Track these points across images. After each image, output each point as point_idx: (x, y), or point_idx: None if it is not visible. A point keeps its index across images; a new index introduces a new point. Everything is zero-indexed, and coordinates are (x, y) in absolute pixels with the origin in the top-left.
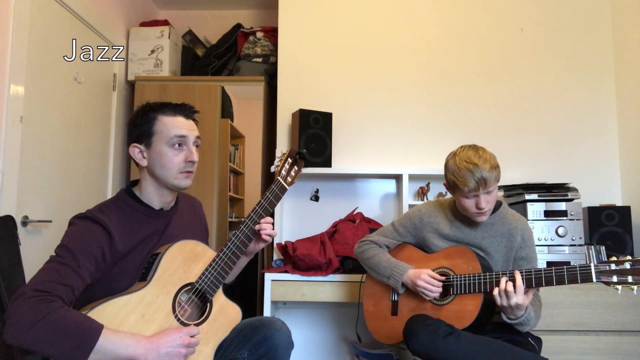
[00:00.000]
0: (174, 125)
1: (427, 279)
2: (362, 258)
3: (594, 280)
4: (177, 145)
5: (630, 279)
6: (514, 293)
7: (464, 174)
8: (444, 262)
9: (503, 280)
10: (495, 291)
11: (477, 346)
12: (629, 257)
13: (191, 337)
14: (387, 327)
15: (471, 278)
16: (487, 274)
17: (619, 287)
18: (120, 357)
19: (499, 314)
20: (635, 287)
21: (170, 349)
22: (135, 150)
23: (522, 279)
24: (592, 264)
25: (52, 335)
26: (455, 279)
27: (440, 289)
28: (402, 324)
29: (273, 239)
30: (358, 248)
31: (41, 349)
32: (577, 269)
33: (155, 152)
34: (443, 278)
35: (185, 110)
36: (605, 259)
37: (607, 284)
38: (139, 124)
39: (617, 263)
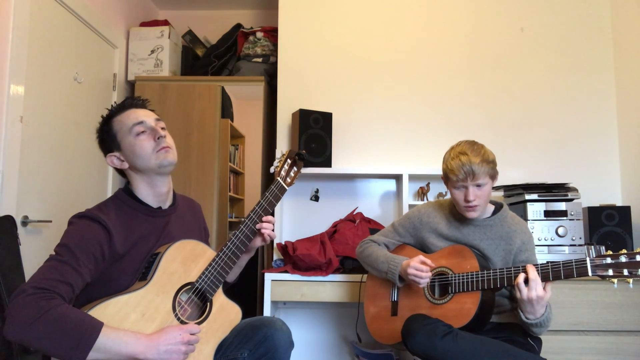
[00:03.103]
0: (127, 117)
1: (417, 266)
2: (362, 257)
3: (590, 274)
4: (141, 133)
5: (625, 272)
6: (539, 282)
7: (453, 163)
8: (442, 261)
9: (530, 269)
10: (521, 278)
11: (475, 346)
12: (624, 251)
13: (191, 334)
14: (387, 328)
15: (469, 276)
16: (485, 271)
17: (615, 280)
18: (120, 355)
19: (498, 314)
20: (631, 280)
21: (170, 346)
22: (113, 159)
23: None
24: (587, 258)
25: (52, 332)
26: (453, 278)
27: (430, 274)
28: (402, 324)
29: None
30: (359, 248)
31: (41, 346)
32: (573, 263)
33: (126, 148)
34: (433, 265)
35: (134, 102)
36: None
37: (603, 277)
38: (102, 137)
39: (612, 257)
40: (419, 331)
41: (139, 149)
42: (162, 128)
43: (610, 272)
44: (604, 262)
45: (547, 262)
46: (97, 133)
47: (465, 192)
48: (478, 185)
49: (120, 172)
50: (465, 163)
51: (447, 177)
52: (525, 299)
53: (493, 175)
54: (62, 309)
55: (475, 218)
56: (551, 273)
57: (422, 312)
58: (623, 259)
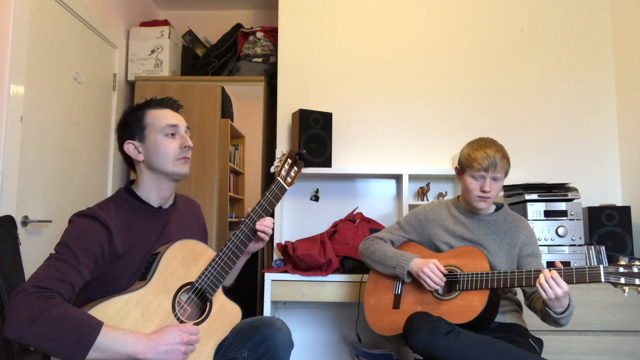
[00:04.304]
0: (164, 116)
1: (433, 268)
2: (367, 253)
3: (603, 280)
4: (170, 134)
5: (637, 281)
6: (561, 280)
7: (478, 154)
8: (452, 260)
9: (546, 271)
10: (542, 279)
11: (476, 345)
12: (637, 262)
13: (191, 335)
14: (387, 320)
15: (479, 275)
16: (496, 272)
17: (626, 288)
18: (120, 354)
19: (501, 314)
20: None
21: (169, 346)
22: (130, 147)
23: (531, 278)
24: (601, 266)
25: (52, 331)
26: (462, 276)
27: (443, 283)
28: (403, 317)
29: (273, 239)
30: (363, 245)
31: (41, 345)
32: (587, 269)
33: (150, 144)
34: (446, 272)
35: (172, 104)
36: (606, 259)
37: (615, 285)
38: (130, 123)
39: (625, 266)
40: (421, 328)
41: (164, 149)
42: (189, 136)
43: (623, 281)
44: (616, 270)
45: (561, 266)
46: (124, 117)
47: (482, 182)
48: (495, 179)
49: (129, 163)
50: (490, 155)
51: (467, 166)
52: (553, 297)
53: (507, 173)
54: (62, 308)
55: (480, 213)
56: (563, 278)
57: (427, 307)
58: (635, 269)
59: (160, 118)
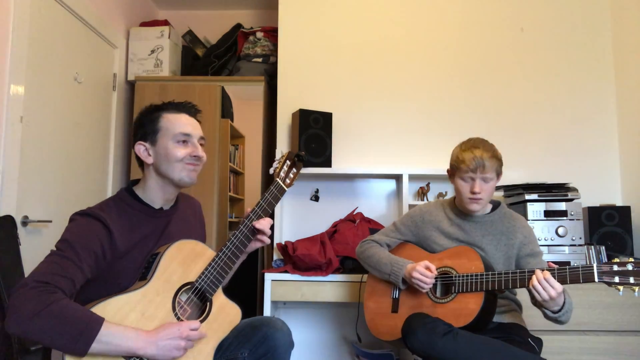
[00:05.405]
0: (178, 122)
1: (422, 270)
2: (363, 257)
3: (596, 280)
4: (182, 142)
5: (632, 280)
6: (554, 281)
7: (465, 155)
8: (447, 261)
9: (538, 272)
10: (535, 281)
11: (474, 345)
12: (631, 259)
13: (191, 330)
14: (386, 324)
15: (474, 277)
16: (490, 273)
17: (621, 287)
18: (121, 349)
19: (498, 314)
20: (636, 288)
21: (169, 341)
22: (141, 148)
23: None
24: (594, 265)
25: (54, 325)
26: (457, 278)
27: (433, 280)
28: (402, 321)
29: (273, 239)
30: (359, 248)
31: (43, 339)
32: (580, 269)
33: (161, 148)
34: (436, 273)
35: (189, 109)
36: (606, 259)
37: (609, 284)
38: (143, 124)
39: (619, 264)
40: (419, 329)
41: (172, 155)
42: (202, 144)
43: (617, 280)
44: (610, 269)
45: (554, 266)
46: (139, 117)
47: (472, 184)
48: (485, 179)
49: (140, 163)
50: (477, 155)
51: (456, 169)
52: (547, 299)
53: (499, 173)
54: (63, 303)
55: (476, 214)
56: (557, 278)
57: (424, 311)
58: (630, 267)
59: (175, 124)
